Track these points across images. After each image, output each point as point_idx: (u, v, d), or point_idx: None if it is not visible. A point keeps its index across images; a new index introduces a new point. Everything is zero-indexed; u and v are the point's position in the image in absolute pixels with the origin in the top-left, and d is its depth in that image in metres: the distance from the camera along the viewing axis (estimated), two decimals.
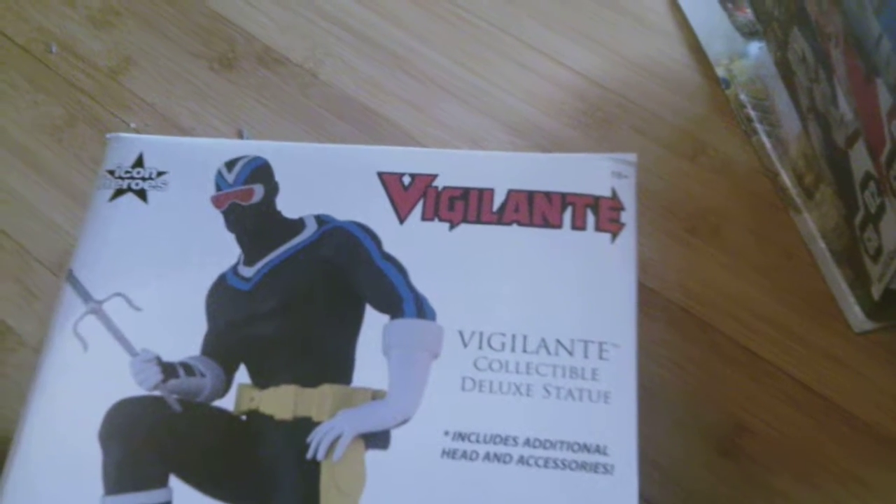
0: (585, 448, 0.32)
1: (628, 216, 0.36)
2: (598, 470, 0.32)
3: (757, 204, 0.58)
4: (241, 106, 0.62)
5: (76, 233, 0.59)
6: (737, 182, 0.59)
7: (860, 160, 0.46)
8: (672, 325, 0.54)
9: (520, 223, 0.36)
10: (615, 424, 0.32)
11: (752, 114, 0.58)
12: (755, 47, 0.61)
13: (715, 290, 0.55)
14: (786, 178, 0.56)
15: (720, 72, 0.61)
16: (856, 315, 0.52)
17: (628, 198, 0.36)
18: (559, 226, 0.36)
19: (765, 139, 0.58)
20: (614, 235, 0.36)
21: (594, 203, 0.36)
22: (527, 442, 0.32)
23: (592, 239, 0.35)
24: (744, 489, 0.49)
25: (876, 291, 0.48)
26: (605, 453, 0.32)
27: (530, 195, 0.37)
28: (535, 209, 0.36)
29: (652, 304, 0.55)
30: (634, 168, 0.36)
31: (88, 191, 0.61)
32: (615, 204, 0.36)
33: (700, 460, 0.50)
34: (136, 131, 0.62)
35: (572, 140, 0.60)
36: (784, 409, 0.51)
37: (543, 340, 0.34)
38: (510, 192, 0.37)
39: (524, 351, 0.34)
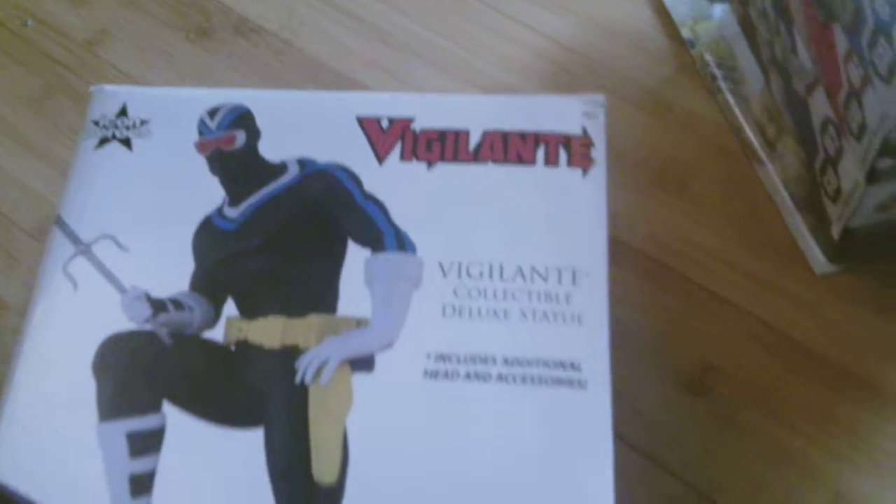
0: (560, 365, 0.33)
1: (598, 152, 0.37)
2: (572, 385, 0.33)
3: (722, 157, 0.60)
4: (216, 73, 0.64)
5: (56, 199, 0.60)
6: (703, 137, 0.61)
7: (819, 106, 0.48)
8: (642, 273, 0.56)
9: (495, 161, 0.38)
10: (588, 343, 0.34)
11: (717, 72, 0.60)
12: (718, 9, 0.62)
13: (683, 239, 0.57)
14: (749, 132, 0.58)
15: (685, 33, 0.63)
16: (817, 259, 0.54)
17: (598, 135, 0.38)
18: (533, 163, 0.37)
19: (728, 96, 0.59)
20: (585, 170, 0.37)
21: (566, 141, 0.38)
22: (505, 361, 0.34)
23: (565, 174, 0.37)
24: (713, 424, 0.51)
25: (835, 231, 0.50)
26: (578, 369, 0.33)
27: (505, 135, 0.38)
28: (509, 148, 0.38)
29: (623, 254, 0.56)
30: (603, 108, 0.38)
31: (68, 159, 0.62)
32: (586, 141, 0.38)
33: (671, 398, 0.52)
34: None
35: None
36: (750, 349, 0.53)
37: (520, 268, 0.35)
38: (485, 133, 0.38)
39: (501, 279, 0.35)
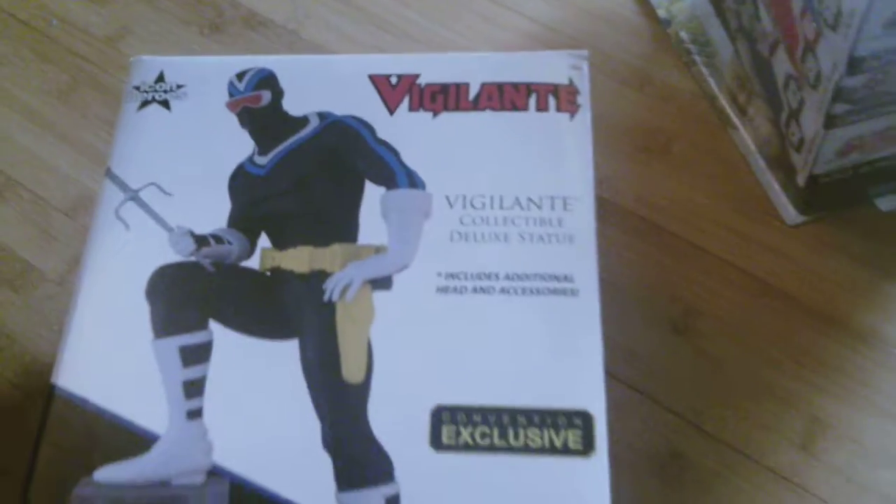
0: (555, 278, 0.38)
1: (583, 99, 0.42)
2: (566, 294, 0.38)
3: (699, 124, 0.65)
4: None
5: (88, 181, 0.65)
6: (680, 106, 0.66)
7: (781, 64, 0.53)
8: (628, 229, 0.61)
9: (493, 109, 0.43)
10: (579, 259, 0.39)
11: (691, 47, 0.65)
12: None
13: (666, 198, 0.62)
14: (723, 100, 0.63)
15: (661, 13, 0.68)
16: (789, 211, 0.59)
17: (583, 85, 0.43)
18: (526, 109, 0.42)
19: (703, 68, 0.65)
20: (572, 115, 0.42)
21: (555, 90, 0.43)
22: (506, 276, 0.39)
23: (554, 118, 0.42)
24: (697, 361, 0.56)
25: (801, 179, 0.55)
26: (571, 281, 0.38)
27: (500, 86, 0.43)
28: (504, 97, 0.43)
29: (610, 212, 0.61)
30: (587, 61, 0.43)
31: (96, 144, 0.66)
32: (572, 90, 0.43)
33: (657, 338, 0.56)
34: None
35: None
36: (729, 294, 0.58)
37: (517, 199, 0.40)
38: (483, 85, 0.43)
39: (501, 208, 0.40)
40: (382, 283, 0.39)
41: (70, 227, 0.63)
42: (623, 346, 0.56)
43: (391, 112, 0.43)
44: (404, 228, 0.40)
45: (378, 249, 0.40)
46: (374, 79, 0.44)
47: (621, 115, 0.66)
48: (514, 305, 0.38)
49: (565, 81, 0.43)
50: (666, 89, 0.66)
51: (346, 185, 0.41)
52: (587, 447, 0.35)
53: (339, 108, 0.43)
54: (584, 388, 0.36)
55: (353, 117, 0.43)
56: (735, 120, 0.62)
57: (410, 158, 0.41)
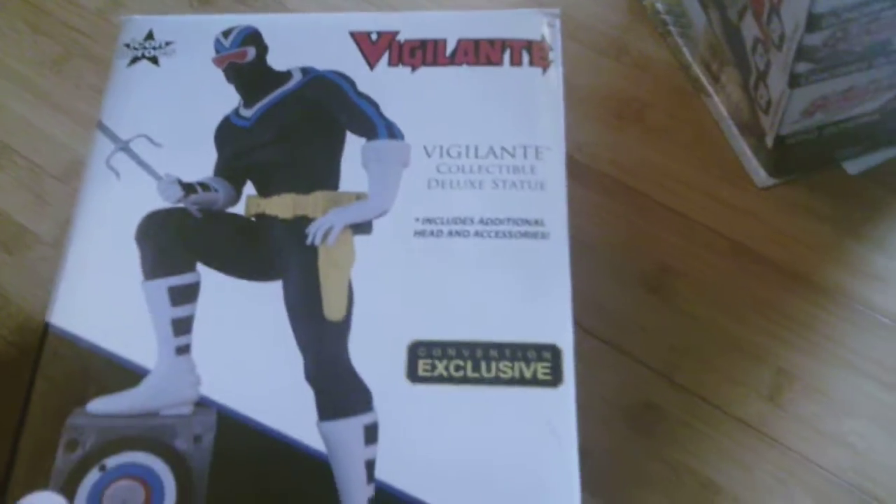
0: (527, 222, 0.40)
1: (555, 55, 0.44)
2: (537, 236, 0.40)
3: (674, 92, 0.67)
4: None
5: (80, 148, 0.66)
6: (656, 75, 0.67)
7: (749, 28, 0.54)
8: (605, 192, 0.62)
9: (469, 64, 0.44)
10: (549, 204, 0.40)
11: (667, 18, 0.67)
12: None
13: (640, 162, 0.63)
14: (697, 69, 0.65)
15: None
16: (759, 175, 0.61)
17: (555, 41, 0.44)
18: (501, 64, 0.44)
19: (678, 39, 0.66)
20: (545, 69, 0.44)
21: (528, 45, 0.44)
22: (481, 221, 0.40)
23: (528, 72, 0.44)
24: (668, 316, 0.58)
25: (769, 140, 0.56)
26: (542, 224, 0.40)
27: (476, 42, 0.45)
28: (480, 53, 0.44)
29: (587, 175, 0.63)
30: (559, 19, 0.45)
31: (88, 112, 0.68)
32: (545, 46, 0.44)
33: (632, 296, 0.58)
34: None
35: None
36: (702, 253, 0.60)
37: (491, 148, 0.42)
38: (460, 41, 0.45)
39: (476, 157, 0.42)
40: (363, 227, 0.40)
41: (63, 192, 0.64)
42: (596, 302, 0.58)
43: (371, 67, 0.44)
44: (384, 176, 0.41)
45: (359, 196, 0.41)
46: (355, 35, 0.45)
47: (598, 83, 0.67)
48: (488, 248, 0.39)
49: (538, 38, 0.44)
50: (642, 59, 0.68)
51: (327, 136, 0.42)
52: (556, 378, 0.37)
53: (322, 64, 0.44)
54: (553, 323, 0.38)
55: (335, 72, 0.44)
56: (708, 87, 0.64)
57: (390, 111, 0.43)
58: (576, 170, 0.63)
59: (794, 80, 0.50)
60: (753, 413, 0.55)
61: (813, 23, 0.45)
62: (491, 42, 0.44)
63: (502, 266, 0.39)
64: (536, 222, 0.40)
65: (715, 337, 0.57)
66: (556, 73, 0.43)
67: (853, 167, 0.62)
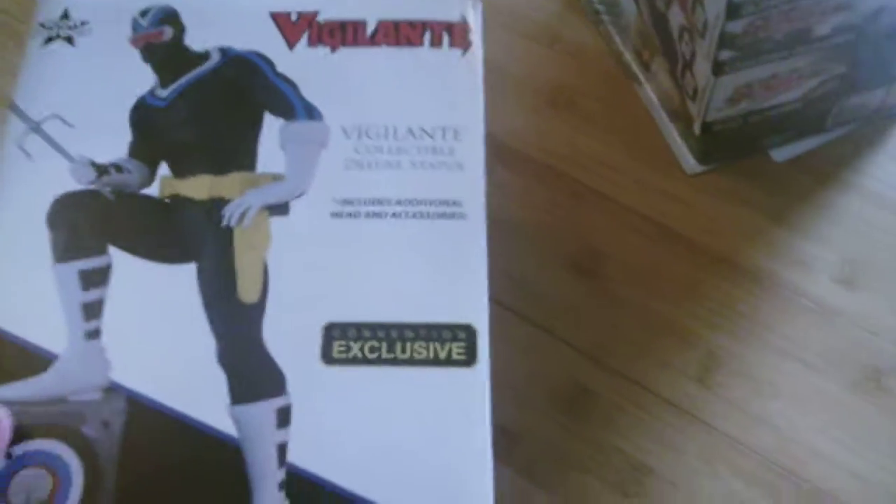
0: (445, 203, 0.39)
1: (475, 36, 0.43)
2: (454, 217, 0.39)
3: (606, 80, 0.67)
4: None
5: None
6: (588, 63, 0.67)
7: (676, 17, 0.54)
8: (535, 177, 0.62)
9: (389, 45, 0.43)
10: (467, 184, 0.40)
11: (599, 7, 0.67)
12: None
13: (572, 148, 0.63)
14: (628, 57, 0.65)
15: None
16: (688, 161, 0.61)
17: (476, 22, 0.44)
18: (421, 45, 0.43)
19: (610, 27, 0.66)
20: (465, 50, 0.43)
21: (448, 27, 0.44)
22: (398, 202, 0.40)
23: (447, 54, 0.43)
24: (598, 299, 0.57)
25: (697, 128, 0.56)
26: (460, 205, 0.39)
27: (396, 24, 0.44)
28: (400, 34, 0.44)
29: (517, 161, 0.62)
30: (481, 1, 0.44)
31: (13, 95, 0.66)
32: (465, 27, 0.44)
33: (560, 278, 0.58)
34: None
35: None
36: (632, 238, 0.60)
37: (410, 129, 0.41)
38: (380, 22, 0.44)
39: (395, 138, 0.41)
40: (279, 209, 0.39)
41: None
42: (525, 287, 0.57)
43: (291, 47, 0.43)
44: (301, 158, 0.40)
45: (275, 178, 0.40)
46: (274, 16, 0.44)
47: (529, 71, 0.67)
48: (405, 229, 0.39)
49: (458, 19, 0.44)
50: (574, 47, 0.68)
51: (245, 117, 0.41)
52: (470, 358, 0.36)
53: (241, 44, 0.43)
54: (468, 304, 0.37)
55: (254, 52, 0.43)
56: (640, 75, 0.64)
57: (309, 92, 0.42)
58: (507, 155, 0.62)
59: (718, 68, 0.50)
60: (683, 395, 0.55)
61: (732, 10, 0.45)
62: (411, 23, 0.43)
63: (419, 247, 0.38)
64: (454, 203, 0.39)
65: (645, 321, 0.57)
66: (475, 54, 0.43)
67: (779, 155, 0.62)
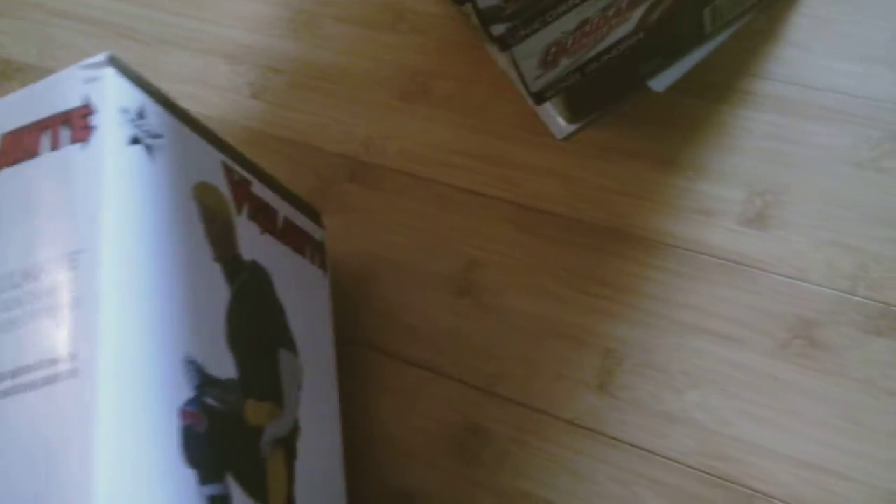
0: (45, 364, 0.27)
1: (100, 117, 0.30)
2: (62, 378, 0.27)
3: (459, 51, 0.51)
4: None
5: None
6: (438, 36, 0.52)
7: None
8: (400, 191, 0.48)
9: (8, 165, 0.31)
10: (82, 329, 0.27)
11: None
12: None
13: (432, 146, 0.49)
14: (475, 18, 0.49)
15: None
16: (558, 124, 0.45)
17: (100, 98, 0.30)
18: (38, 154, 0.30)
19: None
20: (85, 141, 0.30)
21: (67, 118, 0.31)
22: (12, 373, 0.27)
23: (67, 154, 0.30)
24: (480, 319, 0.44)
25: (530, 100, 0.41)
26: (75, 359, 0.27)
27: (18, 133, 0.31)
28: (23, 145, 0.31)
29: (379, 178, 0.49)
30: (106, 64, 0.31)
31: None
32: (85, 111, 0.31)
33: (439, 305, 0.44)
34: None
35: (286, 50, 0.54)
36: (507, 234, 0.45)
37: (11, 274, 0.29)
38: (5, 137, 0.31)
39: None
40: None
41: None
42: (404, 324, 0.45)
43: None
44: None
45: None
46: None
47: (375, 64, 0.52)
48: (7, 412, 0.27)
49: (79, 103, 0.30)
50: (419, 20, 0.52)
51: None
52: None
53: None
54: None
55: None
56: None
57: None
58: (365, 175, 0.49)
59: (502, 44, 0.35)
60: (584, 411, 0.41)
61: None
62: (30, 128, 0.31)
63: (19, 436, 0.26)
64: (66, 358, 0.27)
65: (531, 330, 0.43)
66: (99, 142, 0.29)
67: (658, 83, 0.45)
